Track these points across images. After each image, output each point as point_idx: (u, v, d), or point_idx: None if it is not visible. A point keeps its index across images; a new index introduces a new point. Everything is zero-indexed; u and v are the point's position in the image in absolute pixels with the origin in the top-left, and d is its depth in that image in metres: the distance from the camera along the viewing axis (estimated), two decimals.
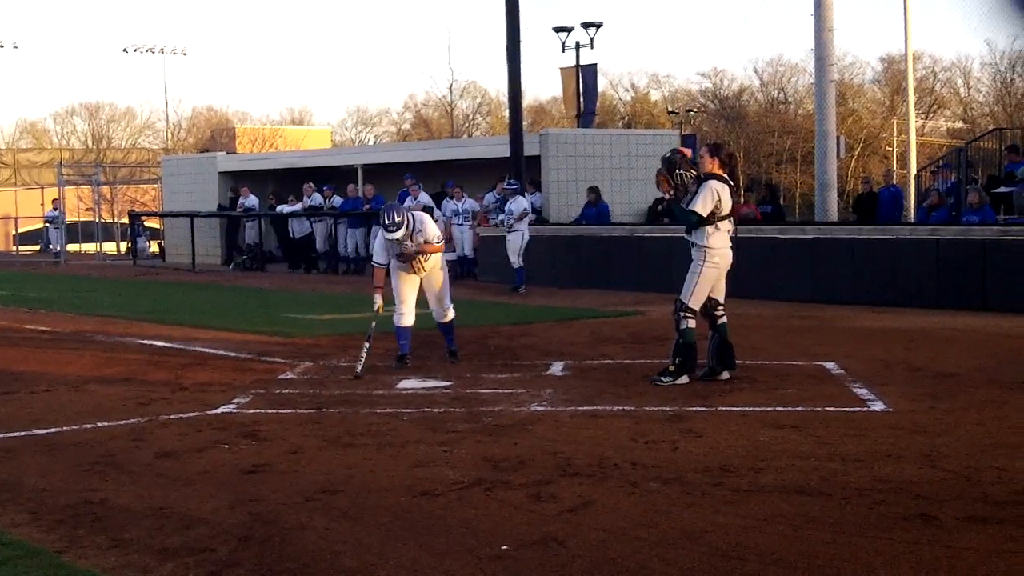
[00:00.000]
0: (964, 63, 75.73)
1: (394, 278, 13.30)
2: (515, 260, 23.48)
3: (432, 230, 13.12)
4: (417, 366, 13.05)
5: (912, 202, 26.06)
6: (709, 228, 11.55)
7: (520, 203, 23.88)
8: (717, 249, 11.61)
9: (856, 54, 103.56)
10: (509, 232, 23.63)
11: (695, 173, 11.68)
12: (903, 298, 18.38)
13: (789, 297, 19.56)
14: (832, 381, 11.78)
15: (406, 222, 12.80)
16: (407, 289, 13.22)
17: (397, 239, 12.77)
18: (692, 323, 11.68)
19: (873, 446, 8.60)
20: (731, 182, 11.77)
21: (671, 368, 11.63)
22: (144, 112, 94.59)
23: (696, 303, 11.69)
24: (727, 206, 11.63)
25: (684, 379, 11.53)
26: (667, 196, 11.94)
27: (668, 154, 12.12)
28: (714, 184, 11.56)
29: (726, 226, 11.68)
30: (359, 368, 12.65)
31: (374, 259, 13.54)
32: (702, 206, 11.53)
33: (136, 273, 33.31)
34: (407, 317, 13.19)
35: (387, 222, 12.76)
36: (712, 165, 11.68)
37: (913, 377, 11.87)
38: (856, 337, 15.13)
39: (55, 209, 42.66)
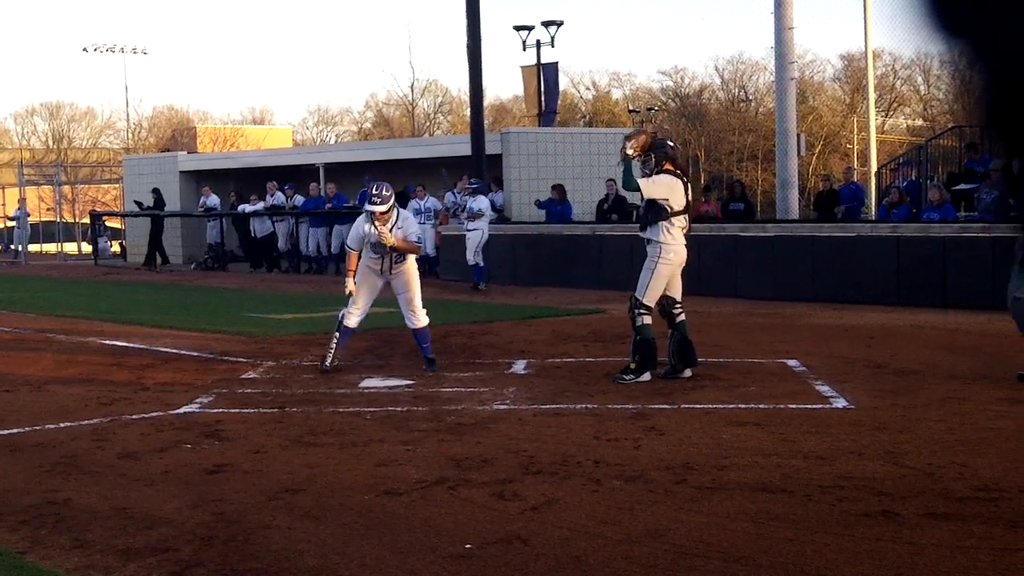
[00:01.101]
0: (924, 61, 76.13)
1: (358, 276, 13.01)
2: (472, 258, 23.50)
3: (414, 229, 12.90)
4: (379, 365, 13.02)
5: (873, 199, 26.13)
6: (664, 224, 11.59)
7: (481, 201, 23.90)
8: (672, 246, 11.64)
9: (816, 52, 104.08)
10: (468, 230, 23.65)
11: (653, 168, 11.69)
12: (864, 295, 18.48)
13: (751, 295, 19.62)
14: (794, 378, 11.84)
15: (392, 204, 12.56)
16: (364, 291, 12.90)
17: (379, 212, 12.38)
18: (648, 319, 11.70)
19: (835, 443, 8.64)
20: (684, 178, 11.83)
21: (632, 366, 11.65)
22: (105, 112, 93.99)
23: (651, 299, 11.72)
24: (679, 202, 11.67)
25: (647, 376, 11.56)
26: (629, 154, 11.78)
27: (670, 141, 12.14)
28: (668, 179, 11.61)
29: (680, 223, 11.71)
30: (328, 361, 12.62)
31: (347, 243, 13.34)
32: (647, 187, 11.62)
33: (98, 273, 33.15)
34: (353, 318, 12.86)
35: (373, 193, 12.50)
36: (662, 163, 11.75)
37: (875, 374, 11.94)
38: (818, 334, 15.20)
39: (19, 208, 42.36)
